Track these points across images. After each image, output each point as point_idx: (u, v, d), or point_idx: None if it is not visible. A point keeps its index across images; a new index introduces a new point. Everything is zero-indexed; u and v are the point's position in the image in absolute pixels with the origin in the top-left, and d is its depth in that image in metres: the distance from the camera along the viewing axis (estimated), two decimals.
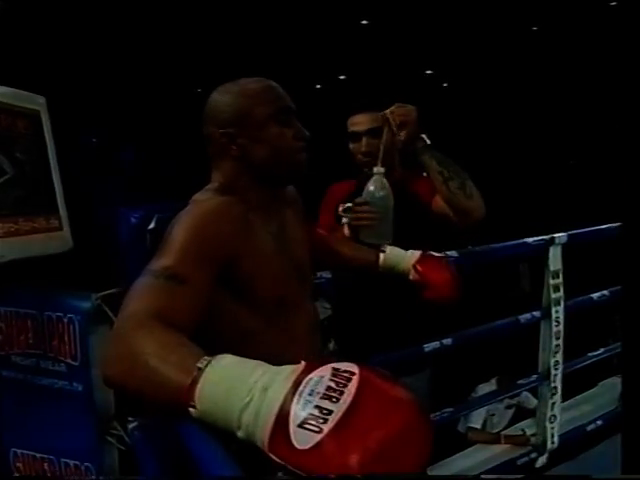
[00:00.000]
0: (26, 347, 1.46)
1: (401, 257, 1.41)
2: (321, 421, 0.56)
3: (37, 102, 1.64)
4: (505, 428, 3.22)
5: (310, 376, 0.60)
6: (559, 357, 2.07)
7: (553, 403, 2.12)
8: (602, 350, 2.39)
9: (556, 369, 2.08)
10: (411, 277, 1.40)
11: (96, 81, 7.28)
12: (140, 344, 0.73)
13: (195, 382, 0.66)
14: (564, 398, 2.50)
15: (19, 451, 1.50)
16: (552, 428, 2.14)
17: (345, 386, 0.58)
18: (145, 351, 0.72)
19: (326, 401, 0.57)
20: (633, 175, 1.01)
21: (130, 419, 1.29)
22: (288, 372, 0.62)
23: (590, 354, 2.34)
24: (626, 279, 1.04)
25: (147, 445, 1.25)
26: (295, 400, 0.58)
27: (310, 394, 0.58)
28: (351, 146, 1.65)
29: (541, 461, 2.15)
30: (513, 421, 3.33)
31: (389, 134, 1.54)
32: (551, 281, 2.00)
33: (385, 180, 1.47)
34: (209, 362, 0.67)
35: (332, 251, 1.40)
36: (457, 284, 1.40)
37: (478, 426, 3.16)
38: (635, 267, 1.00)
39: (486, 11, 7.10)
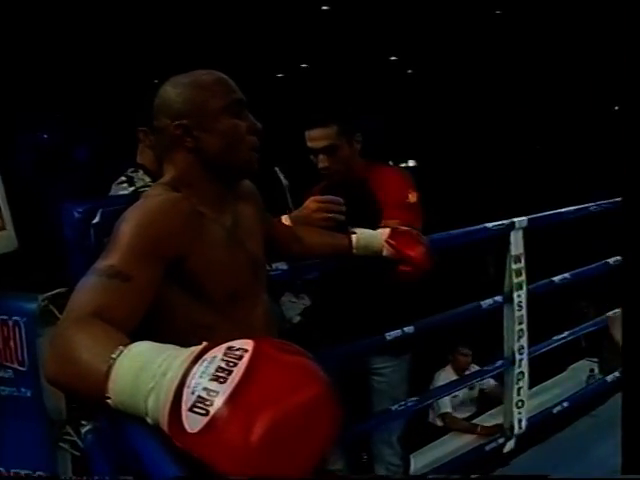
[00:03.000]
0: None
1: (373, 235, 1.47)
2: (208, 403, 0.57)
3: None
4: (476, 414, 3.31)
5: (204, 357, 0.61)
6: (523, 342, 2.13)
7: (519, 388, 2.17)
8: (567, 333, 2.45)
9: (521, 354, 2.13)
10: (385, 253, 1.45)
11: (47, 74, 7.10)
12: (73, 340, 0.74)
13: (109, 372, 0.68)
14: (536, 384, 2.56)
15: None
16: (519, 413, 2.19)
17: (235, 365, 0.59)
18: (76, 346, 0.73)
19: (214, 382, 0.58)
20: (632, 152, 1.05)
21: (83, 423, 1.27)
22: (186, 355, 0.63)
23: (555, 337, 2.40)
24: (627, 254, 1.07)
25: (101, 448, 1.23)
26: (187, 383, 0.60)
27: (201, 376, 0.59)
28: (312, 157, 1.72)
29: (509, 446, 2.20)
30: (479, 403, 3.43)
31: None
32: (513, 266, 2.05)
33: None
34: (122, 351, 0.69)
35: (300, 240, 1.43)
36: (431, 256, 1.46)
37: (449, 409, 3.27)
38: (634, 243, 1.03)
39: None
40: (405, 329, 1.74)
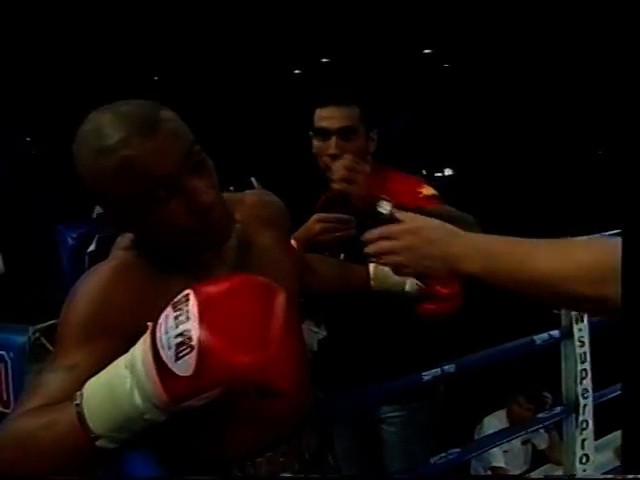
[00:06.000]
0: None
1: None
2: (188, 340, 0.71)
3: None
4: (528, 470, 3.26)
5: (159, 322, 0.74)
6: (587, 384, 2.10)
7: (584, 440, 2.14)
8: None
9: (585, 398, 2.10)
10: (408, 288, 1.37)
11: (29, 60, 7.23)
12: (18, 427, 0.80)
13: (81, 415, 0.75)
14: (603, 434, 2.50)
15: None
16: (584, 471, 2.15)
17: (187, 304, 0.73)
18: (25, 428, 0.79)
19: (179, 327, 0.72)
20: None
21: None
22: (142, 339, 0.76)
23: None
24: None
25: None
26: (158, 347, 0.72)
27: (166, 332, 0.73)
28: (316, 144, 1.65)
29: None
30: (533, 461, 3.36)
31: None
32: None
33: None
34: (81, 392, 0.77)
35: (314, 271, 1.36)
36: (463, 290, 1.39)
37: (502, 464, 3.21)
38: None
39: None
40: (445, 368, 1.72)
